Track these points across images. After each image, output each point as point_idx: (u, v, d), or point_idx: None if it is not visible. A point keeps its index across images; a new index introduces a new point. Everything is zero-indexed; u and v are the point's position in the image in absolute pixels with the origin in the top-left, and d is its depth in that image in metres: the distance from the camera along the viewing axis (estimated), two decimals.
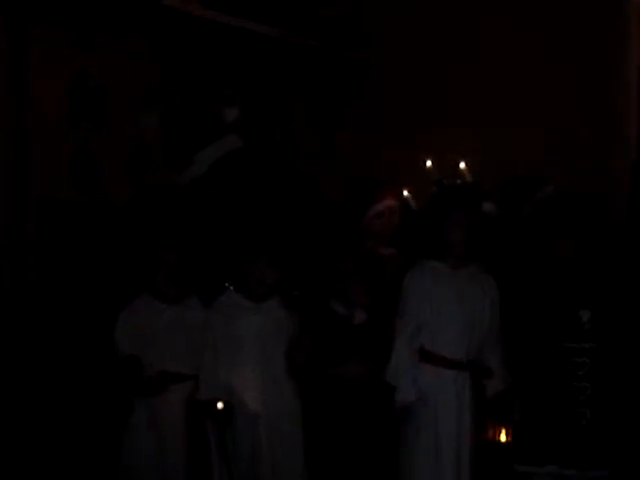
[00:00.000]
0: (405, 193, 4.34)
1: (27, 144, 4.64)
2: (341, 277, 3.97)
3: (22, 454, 4.22)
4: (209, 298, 3.99)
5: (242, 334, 3.90)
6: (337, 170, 5.61)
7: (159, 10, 4.98)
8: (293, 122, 6.22)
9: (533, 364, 3.94)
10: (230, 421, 3.81)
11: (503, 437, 4.27)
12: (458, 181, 4.21)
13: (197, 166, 4.28)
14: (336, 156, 5.97)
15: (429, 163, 4.19)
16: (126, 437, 3.89)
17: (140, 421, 3.87)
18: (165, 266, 3.89)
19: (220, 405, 3.75)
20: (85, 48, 4.91)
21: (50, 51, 4.74)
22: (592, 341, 3.87)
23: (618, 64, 5.26)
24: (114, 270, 4.39)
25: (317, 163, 5.63)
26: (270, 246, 3.94)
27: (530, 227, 4.24)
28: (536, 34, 5.44)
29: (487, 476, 4.04)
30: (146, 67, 5.28)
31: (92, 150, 4.93)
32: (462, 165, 4.22)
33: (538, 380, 3.92)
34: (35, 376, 4.34)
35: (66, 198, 4.77)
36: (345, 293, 3.98)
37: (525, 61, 5.47)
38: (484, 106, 5.55)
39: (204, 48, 5.52)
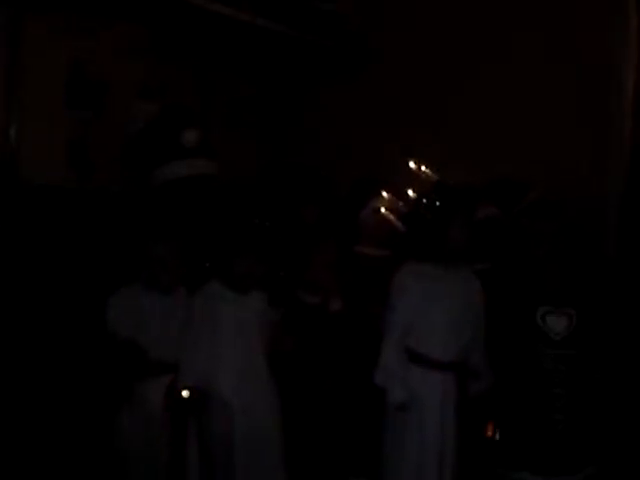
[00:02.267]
0: (410, 193, 4.28)
1: (23, 131, 4.65)
2: (312, 265, 4.02)
3: (19, 442, 4.24)
4: (195, 287, 4.00)
5: (223, 324, 3.90)
6: (339, 165, 5.61)
7: (162, 2, 4.97)
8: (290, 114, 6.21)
9: (509, 369, 3.95)
10: (197, 409, 3.81)
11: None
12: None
13: (154, 180, 4.33)
14: (338, 152, 5.94)
15: (412, 164, 4.17)
16: (117, 421, 3.90)
17: (130, 406, 3.88)
18: (157, 256, 3.89)
19: (185, 393, 3.75)
20: (83, 37, 4.93)
21: (47, 39, 4.76)
22: (569, 348, 3.87)
23: (616, 65, 5.21)
24: (105, 257, 4.41)
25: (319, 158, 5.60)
26: (259, 240, 3.96)
27: (512, 232, 4.24)
28: (535, 35, 5.40)
29: (471, 476, 4.04)
30: (145, 57, 5.30)
31: (88, 138, 4.95)
32: (423, 168, 4.20)
33: (513, 385, 3.92)
34: (30, 362, 4.35)
35: (61, 185, 4.78)
36: (315, 281, 4.00)
37: (523, 61, 5.44)
38: (482, 106, 5.52)
39: (204, 39, 5.53)
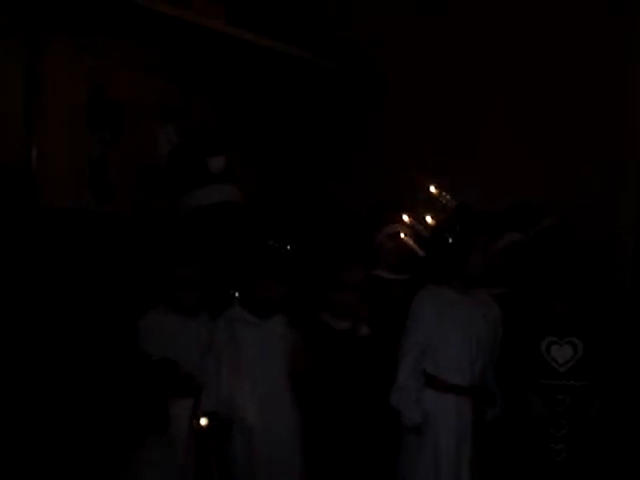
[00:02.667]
0: (429, 219, 4.29)
1: (44, 152, 4.67)
2: (338, 288, 4.01)
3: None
4: (217, 311, 4.02)
5: (245, 348, 3.93)
6: (354, 192, 5.64)
7: (180, 25, 5.01)
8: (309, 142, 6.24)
9: (513, 396, 3.98)
10: (219, 435, 3.82)
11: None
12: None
13: (181, 206, 4.34)
14: (354, 178, 5.96)
15: (433, 189, 4.20)
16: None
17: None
18: (181, 279, 3.91)
19: (204, 421, 3.74)
20: (103, 60, 4.95)
21: (67, 62, 4.78)
22: (573, 379, 3.89)
23: (633, 78, 5.22)
24: (127, 281, 4.41)
25: (336, 184, 5.62)
26: (279, 263, 3.97)
27: (527, 257, 4.26)
28: (545, 48, 5.41)
29: None
30: (163, 80, 5.33)
31: (107, 160, 4.97)
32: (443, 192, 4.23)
33: (517, 412, 3.94)
34: (54, 390, 4.31)
35: (81, 207, 4.79)
36: (343, 305, 4.01)
37: (537, 84, 5.47)
38: (494, 125, 5.56)
39: (221, 62, 5.57)
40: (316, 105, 6.25)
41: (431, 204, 4.25)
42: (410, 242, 4.36)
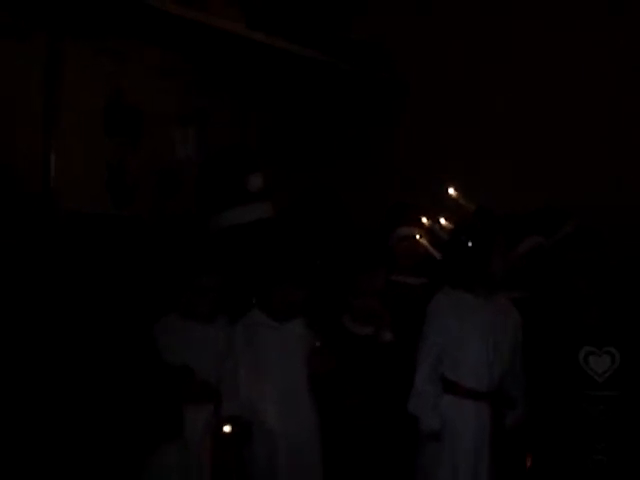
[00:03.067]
0: (442, 221, 4.27)
1: (63, 158, 4.68)
2: (361, 294, 3.99)
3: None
4: (236, 316, 4.02)
5: (264, 351, 3.93)
6: (374, 195, 5.63)
7: (198, 29, 5.01)
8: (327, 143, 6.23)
9: (549, 406, 3.94)
10: (242, 440, 3.82)
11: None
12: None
13: (213, 225, 4.30)
14: (374, 182, 5.95)
15: (452, 191, 4.17)
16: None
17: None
18: (200, 286, 3.90)
19: (227, 428, 3.74)
20: (121, 65, 4.96)
21: (86, 67, 4.79)
22: (612, 389, 3.84)
23: None
24: (144, 285, 4.41)
25: (354, 188, 5.61)
26: (297, 266, 3.97)
27: (553, 262, 4.23)
28: (577, 50, 5.36)
29: None
30: (182, 84, 5.33)
31: (126, 165, 4.98)
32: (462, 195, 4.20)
33: (554, 423, 3.90)
34: (69, 391, 4.32)
35: (99, 213, 4.79)
36: (365, 310, 3.99)
37: (559, 89, 5.42)
38: (520, 127, 5.51)
39: (239, 66, 5.57)
40: (335, 108, 6.23)
41: (450, 207, 4.22)
42: (427, 245, 4.33)
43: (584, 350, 3.89)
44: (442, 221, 4.22)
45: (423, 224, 4.36)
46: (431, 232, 4.35)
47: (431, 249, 4.31)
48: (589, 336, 3.91)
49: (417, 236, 4.41)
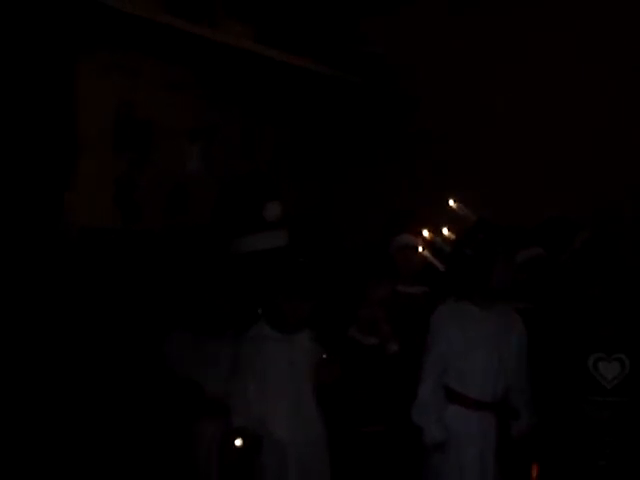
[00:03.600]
0: (445, 232, 4.29)
1: (72, 173, 4.75)
2: (367, 305, 4.03)
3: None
4: (242, 329, 4.06)
5: (272, 363, 3.94)
6: (382, 207, 5.65)
7: (208, 44, 5.06)
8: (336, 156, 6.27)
9: (556, 412, 3.94)
10: (253, 453, 3.84)
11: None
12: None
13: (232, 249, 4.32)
14: (382, 193, 5.98)
15: (453, 202, 4.19)
16: None
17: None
18: (210, 301, 3.97)
19: (239, 442, 3.75)
20: (132, 80, 5.02)
21: (97, 82, 4.85)
22: (620, 395, 3.84)
23: None
24: (154, 299, 4.45)
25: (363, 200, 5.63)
26: (303, 280, 4.00)
27: (567, 273, 4.22)
28: (575, 71, 5.41)
29: None
30: (192, 99, 5.38)
31: (135, 180, 5.03)
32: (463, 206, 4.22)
33: (560, 429, 3.90)
34: (77, 405, 4.37)
35: (108, 227, 4.86)
36: (371, 321, 4.03)
37: (570, 94, 5.45)
38: (526, 142, 5.55)
39: (249, 81, 5.62)
40: (345, 121, 6.26)
41: (452, 218, 4.23)
42: (429, 257, 4.34)
43: (594, 356, 3.88)
44: (445, 231, 4.22)
45: (427, 237, 4.38)
46: (432, 244, 4.36)
47: (434, 261, 4.32)
48: (599, 342, 3.90)
49: (419, 248, 4.41)
